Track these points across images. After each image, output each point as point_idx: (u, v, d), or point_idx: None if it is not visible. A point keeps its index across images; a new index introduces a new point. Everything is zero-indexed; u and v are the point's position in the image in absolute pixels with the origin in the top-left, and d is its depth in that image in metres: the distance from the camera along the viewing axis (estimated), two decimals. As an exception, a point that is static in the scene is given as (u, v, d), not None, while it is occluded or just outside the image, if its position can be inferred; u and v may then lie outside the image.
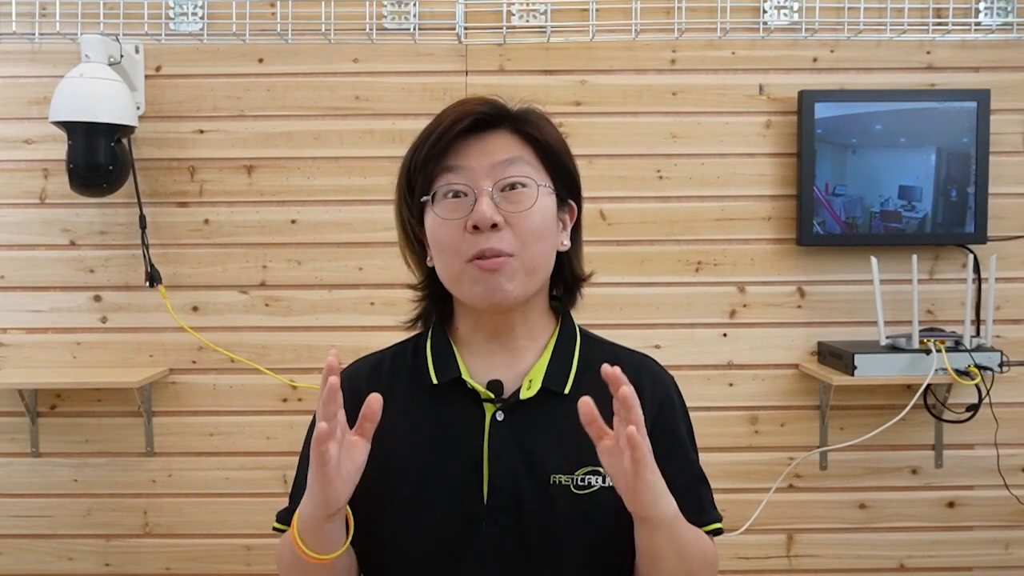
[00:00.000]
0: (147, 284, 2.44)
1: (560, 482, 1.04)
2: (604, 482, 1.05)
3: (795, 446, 2.50)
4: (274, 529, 1.18)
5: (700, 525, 1.09)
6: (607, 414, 1.07)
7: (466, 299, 1.07)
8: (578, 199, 1.14)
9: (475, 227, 1.02)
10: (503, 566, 1.03)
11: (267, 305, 2.49)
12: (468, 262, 1.03)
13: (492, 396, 1.07)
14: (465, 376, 1.08)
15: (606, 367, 0.92)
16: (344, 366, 1.19)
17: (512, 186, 1.04)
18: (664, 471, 1.08)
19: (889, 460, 2.52)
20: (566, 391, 1.08)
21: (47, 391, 2.49)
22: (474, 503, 1.04)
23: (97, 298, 2.49)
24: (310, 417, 1.17)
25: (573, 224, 1.14)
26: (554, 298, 1.16)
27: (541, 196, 1.05)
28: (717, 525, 1.11)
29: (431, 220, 1.06)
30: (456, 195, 1.04)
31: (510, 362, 1.10)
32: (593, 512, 1.04)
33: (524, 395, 1.07)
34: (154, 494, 2.51)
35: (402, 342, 1.18)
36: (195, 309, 2.49)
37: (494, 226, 1.02)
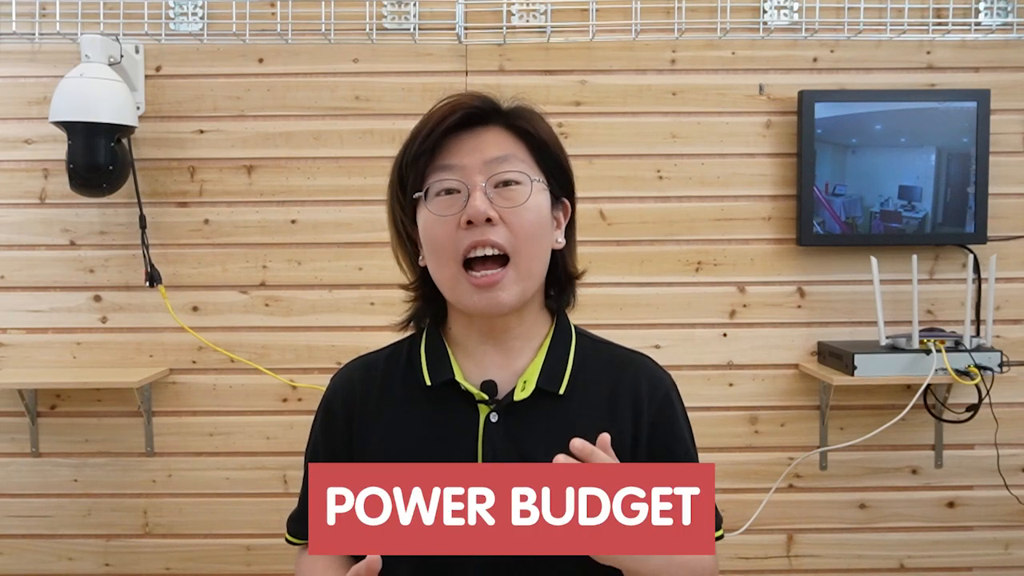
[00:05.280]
0: (147, 284, 2.44)
1: None
2: None
3: (795, 446, 2.50)
4: (287, 540, 1.19)
5: None
6: (601, 414, 1.08)
7: (461, 306, 1.06)
8: (572, 196, 1.13)
9: (469, 222, 1.01)
10: (499, 569, 1.02)
11: (267, 305, 2.49)
12: (463, 269, 1.02)
13: (486, 397, 1.06)
14: (459, 378, 1.08)
15: (575, 442, 0.94)
16: (342, 364, 1.19)
17: (506, 183, 1.03)
18: None
19: (889, 460, 2.52)
20: (561, 391, 1.07)
21: (47, 391, 2.49)
22: None
23: (97, 298, 2.49)
24: (310, 418, 1.18)
25: (567, 222, 1.13)
26: (549, 297, 1.15)
27: (535, 192, 1.04)
28: (718, 533, 1.11)
29: (424, 217, 1.05)
30: (449, 192, 1.03)
31: (505, 362, 1.09)
32: None
33: (518, 396, 1.06)
34: (154, 494, 2.51)
35: (397, 343, 1.17)
36: (195, 309, 2.49)
37: (488, 221, 1.01)
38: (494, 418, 1.06)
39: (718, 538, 1.11)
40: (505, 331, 1.09)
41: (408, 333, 1.17)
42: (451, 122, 1.03)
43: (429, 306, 1.14)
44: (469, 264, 1.03)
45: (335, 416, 1.13)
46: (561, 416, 1.07)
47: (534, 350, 1.10)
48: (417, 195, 1.05)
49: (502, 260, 1.03)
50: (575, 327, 1.15)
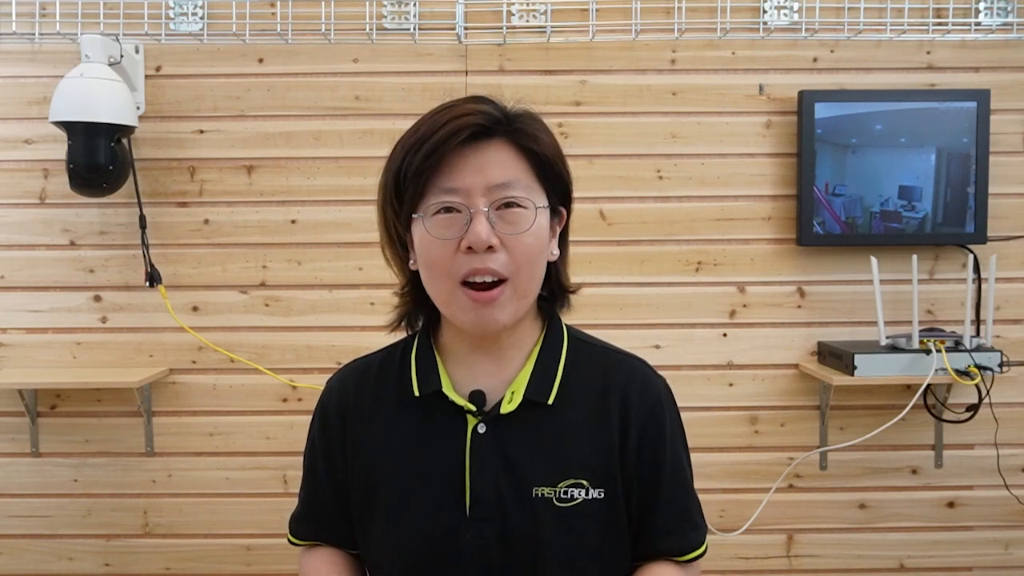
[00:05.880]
0: (147, 284, 2.44)
1: (543, 494, 1.03)
2: (587, 494, 1.04)
3: (795, 446, 2.50)
4: (289, 541, 1.19)
5: (688, 547, 1.10)
6: (591, 421, 1.07)
7: (455, 321, 1.05)
8: (569, 204, 1.11)
9: (469, 247, 0.99)
10: (496, 572, 1.02)
11: (267, 305, 2.49)
12: (460, 284, 1.00)
13: (473, 409, 1.05)
14: (447, 389, 1.06)
15: None
16: (341, 364, 1.19)
17: (508, 205, 1.01)
18: (653, 480, 1.08)
19: (889, 460, 2.52)
20: (549, 401, 1.06)
21: (47, 391, 2.49)
22: (457, 515, 1.03)
23: (97, 298, 2.49)
24: (310, 418, 1.18)
25: (561, 230, 1.11)
26: (542, 298, 1.13)
27: (538, 217, 1.02)
28: (702, 550, 1.11)
29: (421, 235, 1.02)
30: (448, 210, 1.00)
31: (495, 370, 1.08)
32: (576, 524, 1.03)
33: (505, 408, 1.05)
34: (154, 494, 2.51)
35: (391, 346, 1.16)
36: (195, 309, 2.49)
37: (490, 248, 0.99)
38: (482, 429, 1.04)
39: (701, 555, 1.11)
40: (496, 341, 1.08)
41: (403, 335, 1.16)
42: (455, 142, 1.00)
43: (420, 310, 1.13)
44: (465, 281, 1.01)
45: (330, 420, 1.12)
46: (550, 426, 1.05)
47: (524, 357, 1.09)
48: (416, 216, 1.02)
49: (500, 279, 1.01)
50: (568, 329, 1.14)
